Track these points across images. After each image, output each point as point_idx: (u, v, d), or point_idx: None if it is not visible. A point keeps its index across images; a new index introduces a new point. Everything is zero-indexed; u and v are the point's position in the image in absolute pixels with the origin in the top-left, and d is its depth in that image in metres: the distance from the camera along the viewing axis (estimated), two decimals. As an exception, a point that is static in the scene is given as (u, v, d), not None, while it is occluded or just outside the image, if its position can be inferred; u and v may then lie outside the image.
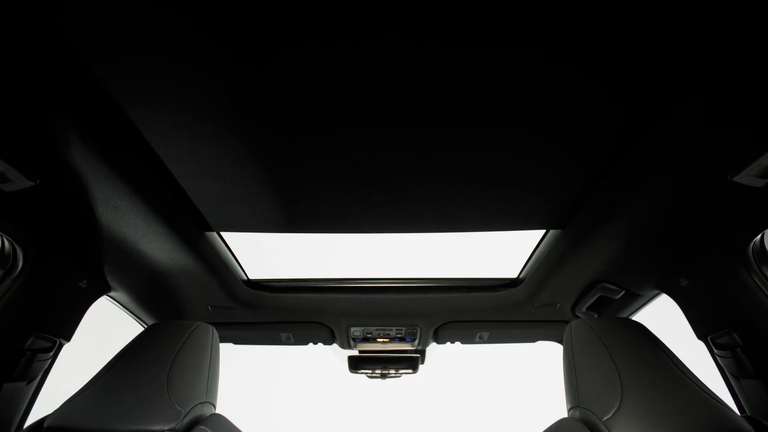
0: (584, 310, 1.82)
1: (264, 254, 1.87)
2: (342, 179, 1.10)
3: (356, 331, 2.08)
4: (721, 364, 1.33)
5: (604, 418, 0.96)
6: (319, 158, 1.03)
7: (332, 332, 2.11)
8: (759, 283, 1.18)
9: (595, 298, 1.71)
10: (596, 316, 1.85)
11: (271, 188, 1.15)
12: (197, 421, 1.08)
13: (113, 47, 0.74)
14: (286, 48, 0.74)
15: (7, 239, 1.17)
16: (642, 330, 1.18)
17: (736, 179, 0.95)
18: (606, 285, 1.62)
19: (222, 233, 1.53)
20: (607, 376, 1.03)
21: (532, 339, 2.19)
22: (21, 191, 1.00)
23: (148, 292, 1.65)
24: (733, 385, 1.31)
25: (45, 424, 1.01)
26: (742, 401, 1.29)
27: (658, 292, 1.54)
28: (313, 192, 1.16)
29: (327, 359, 2.57)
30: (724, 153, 0.92)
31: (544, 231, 1.55)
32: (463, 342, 2.20)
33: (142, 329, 1.87)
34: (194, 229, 1.37)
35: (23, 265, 1.19)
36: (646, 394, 0.98)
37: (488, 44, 0.73)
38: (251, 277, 1.90)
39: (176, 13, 0.68)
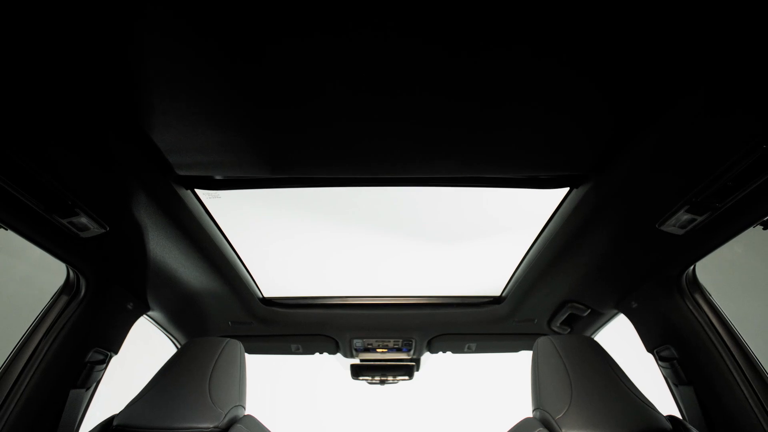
0: (558, 324, 2.09)
1: (278, 273, 2.12)
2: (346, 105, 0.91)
3: (358, 342, 2.34)
4: (663, 373, 1.59)
5: (557, 417, 1.22)
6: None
7: (337, 343, 2.37)
8: (690, 307, 1.45)
9: (566, 315, 1.98)
10: (569, 330, 2.12)
11: (257, 127, 1.01)
12: (234, 421, 1.33)
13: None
14: (279, 41, 0.74)
15: (73, 271, 1.42)
16: (595, 346, 1.44)
17: (662, 228, 1.21)
18: (574, 304, 1.89)
19: (232, 241, 1.70)
20: (562, 383, 1.29)
21: (515, 349, 2.45)
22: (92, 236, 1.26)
23: (180, 311, 1.90)
24: (673, 390, 1.57)
25: (114, 423, 1.26)
26: (680, 404, 1.55)
27: (616, 311, 1.80)
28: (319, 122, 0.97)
29: (328, 366, 2.82)
30: (652, 207, 1.18)
31: (523, 254, 1.80)
32: (454, 352, 2.46)
33: (166, 341, 2.14)
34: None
35: (85, 292, 1.44)
36: (591, 398, 1.24)
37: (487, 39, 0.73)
38: (266, 295, 2.15)
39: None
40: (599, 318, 1.92)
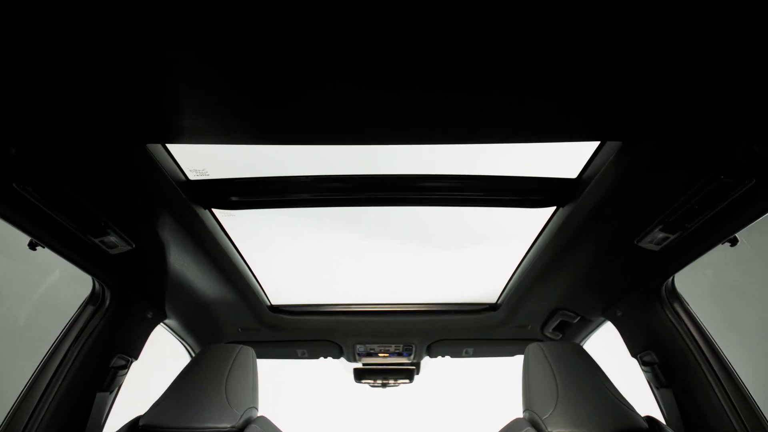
0: (550, 331, 2.21)
1: (285, 282, 2.23)
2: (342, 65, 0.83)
3: (361, 347, 2.45)
4: (646, 377, 1.70)
5: (544, 417, 1.34)
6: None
7: (340, 348, 2.49)
8: (669, 315, 1.56)
9: (557, 321, 2.09)
10: (561, 336, 2.23)
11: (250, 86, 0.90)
12: (249, 421, 1.45)
13: None
14: (284, 45, 0.75)
15: (99, 283, 1.54)
16: (580, 351, 1.56)
17: (640, 245, 1.33)
18: (565, 312, 2.00)
19: (244, 254, 1.79)
20: (549, 386, 1.41)
21: (510, 353, 2.56)
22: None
23: (194, 319, 2.02)
24: (655, 393, 1.68)
25: (140, 423, 1.38)
26: (661, 406, 1.66)
27: (603, 319, 1.92)
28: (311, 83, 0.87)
29: (330, 370, 2.93)
30: (630, 226, 1.30)
31: (517, 263, 1.91)
32: (452, 356, 2.57)
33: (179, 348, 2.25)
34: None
35: (110, 302, 1.56)
36: (575, 399, 1.36)
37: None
38: (273, 302, 2.27)
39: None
40: (588, 325, 2.04)
